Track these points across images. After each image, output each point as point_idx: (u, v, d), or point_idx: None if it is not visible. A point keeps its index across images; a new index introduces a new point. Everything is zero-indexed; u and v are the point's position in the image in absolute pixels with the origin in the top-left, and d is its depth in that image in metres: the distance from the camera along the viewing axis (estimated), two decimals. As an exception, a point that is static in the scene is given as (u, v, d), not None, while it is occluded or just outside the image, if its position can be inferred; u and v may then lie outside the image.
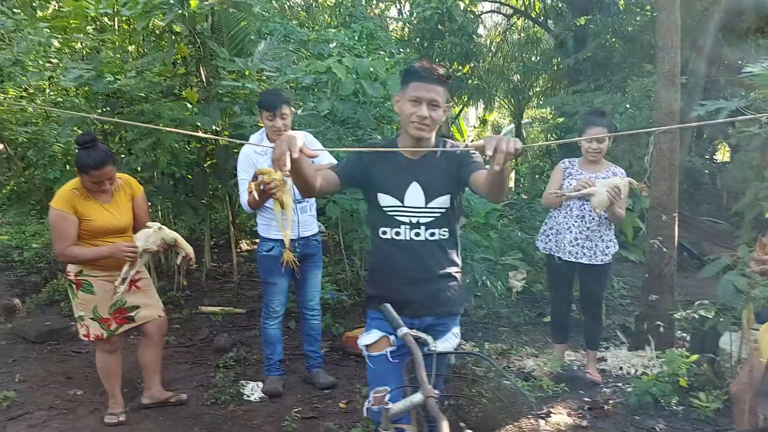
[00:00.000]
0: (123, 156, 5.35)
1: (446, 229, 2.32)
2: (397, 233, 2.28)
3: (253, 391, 3.91)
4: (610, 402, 3.78)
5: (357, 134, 5.60)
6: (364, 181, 2.33)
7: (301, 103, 5.54)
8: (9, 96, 5.44)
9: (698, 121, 3.48)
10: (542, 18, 14.66)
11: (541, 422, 3.54)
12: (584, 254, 3.86)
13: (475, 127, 21.76)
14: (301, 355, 4.17)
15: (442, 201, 2.29)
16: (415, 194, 2.27)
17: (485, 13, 14.91)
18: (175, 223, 6.51)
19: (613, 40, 12.12)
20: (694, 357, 3.87)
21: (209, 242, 6.97)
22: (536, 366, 4.23)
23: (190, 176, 5.80)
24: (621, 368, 4.27)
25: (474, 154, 2.30)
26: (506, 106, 22.01)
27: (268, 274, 3.71)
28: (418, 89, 2.18)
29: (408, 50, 12.38)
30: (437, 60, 11.72)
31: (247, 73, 5.61)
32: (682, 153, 10.44)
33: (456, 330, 2.44)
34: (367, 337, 2.35)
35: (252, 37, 7.36)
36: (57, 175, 5.64)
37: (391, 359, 2.27)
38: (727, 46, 10.79)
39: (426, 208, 2.27)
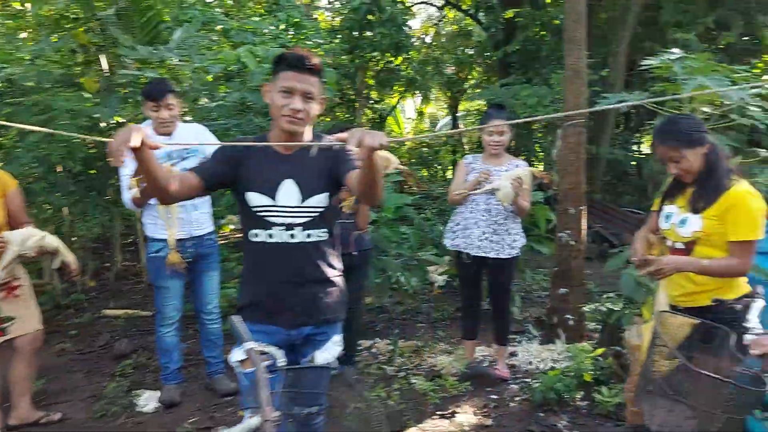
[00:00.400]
0: (18, 149, 4.99)
1: (324, 230, 2.16)
2: (270, 235, 2.10)
3: (148, 401, 3.70)
4: (517, 399, 3.75)
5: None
6: (231, 181, 2.13)
7: (210, 94, 5.30)
8: None
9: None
10: (473, 10, 14.68)
11: (446, 422, 3.46)
12: (492, 248, 3.81)
13: (412, 119, 21.76)
14: (203, 360, 3.97)
15: (319, 199, 2.13)
16: (289, 192, 2.10)
17: (416, 4, 14.81)
18: (85, 221, 6.16)
19: (543, 33, 12.26)
20: (600, 351, 3.87)
21: (120, 240, 6.64)
22: (447, 364, 4.15)
23: (92, 171, 5.48)
24: (531, 363, 4.25)
25: (350, 150, 2.17)
26: (442, 99, 22.10)
27: (158, 278, 3.50)
28: (290, 79, 2.02)
29: (338, 40, 12.20)
30: (368, 51, 11.59)
31: (151, 62, 5.32)
32: (604, 145, 10.66)
33: (337, 338, 2.29)
34: (238, 353, 2.15)
35: (169, 25, 7.04)
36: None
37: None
38: (648, 40, 11.05)
39: (301, 207, 2.11)
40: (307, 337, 2.19)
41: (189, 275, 3.57)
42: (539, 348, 4.46)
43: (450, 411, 3.57)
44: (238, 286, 2.31)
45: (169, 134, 3.41)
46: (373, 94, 15.49)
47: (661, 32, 10.88)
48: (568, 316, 4.38)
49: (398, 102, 20.48)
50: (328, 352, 2.24)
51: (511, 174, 3.60)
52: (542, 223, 5.13)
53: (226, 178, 2.12)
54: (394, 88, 17.38)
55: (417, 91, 20.06)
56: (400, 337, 4.84)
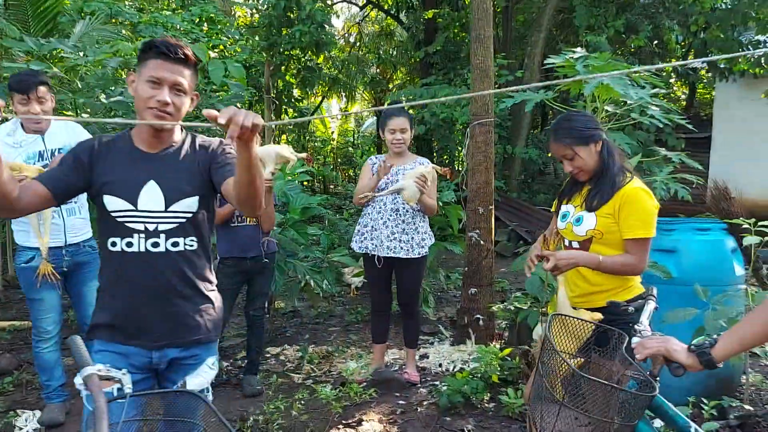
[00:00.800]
0: None
1: (193, 239, 1.92)
2: (129, 244, 1.85)
3: (28, 421, 3.38)
4: (425, 403, 3.66)
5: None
6: (84, 186, 1.88)
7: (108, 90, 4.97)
8: None
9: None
10: (394, 10, 14.70)
11: (350, 431, 3.33)
12: (401, 248, 3.72)
13: (338, 119, 21.61)
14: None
15: (188, 204, 1.89)
16: (152, 196, 1.86)
17: (337, 2, 14.68)
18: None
19: (463, 34, 12.37)
20: (507, 351, 3.84)
21: (11, 247, 6.16)
22: (355, 370, 4.03)
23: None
24: (441, 365, 4.19)
25: (229, 153, 1.97)
26: (366, 99, 22.04)
27: (30, 290, 3.18)
28: (158, 69, 1.80)
29: (256, 38, 11.90)
30: (288, 48, 11.36)
31: (45, 55, 4.96)
32: (520, 144, 10.86)
33: (212, 360, 2.00)
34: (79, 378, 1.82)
35: (72, 16, 6.62)
36: None
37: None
38: (562, 42, 11.35)
39: (166, 212, 1.87)
40: (174, 360, 1.93)
41: (67, 286, 3.28)
42: (450, 349, 4.41)
43: (356, 419, 3.45)
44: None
45: (40, 131, 3.13)
46: (297, 93, 15.26)
47: (575, 35, 11.18)
48: (479, 316, 4.35)
49: (322, 101, 20.30)
50: (202, 376, 1.96)
51: (413, 173, 3.53)
52: (455, 223, 5.09)
53: (77, 185, 1.86)
54: (318, 87, 17.21)
55: (341, 91, 19.94)
56: (311, 343, 4.69)
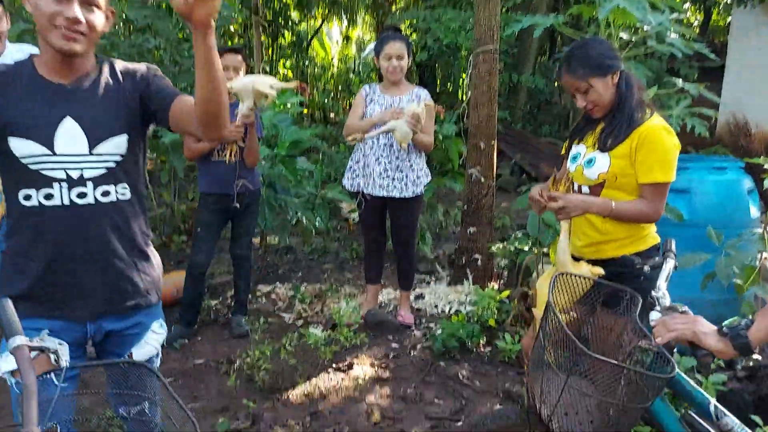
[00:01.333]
0: None
1: (125, 186, 1.63)
2: (49, 196, 1.53)
3: None
4: (418, 347, 3.53)
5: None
6: None
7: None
8: None
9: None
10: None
11: (341, 376, 3.21)
12: (395, 187, 3.49)
13: (338, 44, 20.88)
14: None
15: (116, 144, 1.58)
16: (71, 136, 1.54)
17: None
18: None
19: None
20: (505, 293, 3.69)
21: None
22: (348, 311, 3.87)
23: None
24: (437, 306, 4.05)
25: (163, 77, 1.67)
26: (368, 23, 21.24)
27: None
28: None
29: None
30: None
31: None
32: (526, 73, 10.42)
33: (157, 325, 1.77)
34: (8, 361, 1.48)
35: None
36: None
37: (57, 383, 1.33)
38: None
39: (91, 155, 1.55)
40: (112, 332, 1.68)
41: None
42: (447, 290, 4.26)
43: (347, 363, 3.32)
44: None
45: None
46: (295, 15, 14.63)
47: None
48: (477, 255, 4.17)
49: (322, 24, 19.56)
50: (149, 344, 1.75)
51: (408, 111, 3.25)
52: (455, 158, 4.84)
53: None
54: (317, 9, 16.48)
55: (342, 14, 19.19)
56: (303, 281, 4.54)
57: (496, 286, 4.08)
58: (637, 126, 2.11)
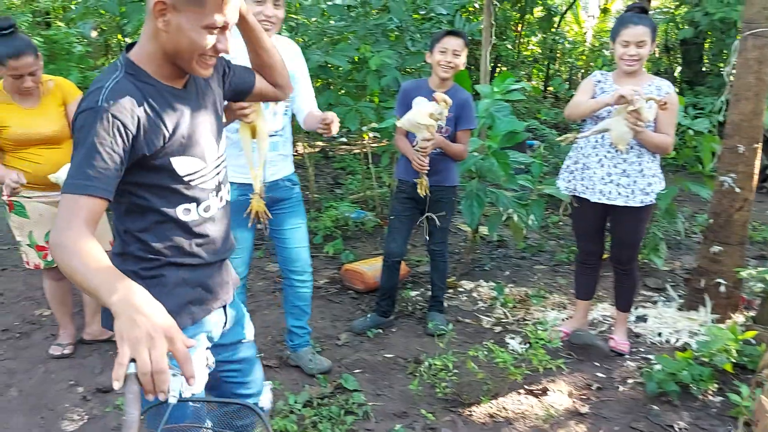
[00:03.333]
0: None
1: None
2: (207, 208, 1.50)
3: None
4: (629, 381, 3.04)
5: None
6: (134, 155, 1.34)
7: None
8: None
9: None
10: None
11: (532, 401, 2.89)
12: (619, 194, 3.01)
13: (594, 18, 19.52)
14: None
15: (224, 141, 1.60)
16: (209, 142, 1.49)
17: None
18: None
19: None
20: (751, 333, 2.99)
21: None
22: (551, 325, 3.48)
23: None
24: (660, 334, 3.46)
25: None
26: (629, -7, 19.52)
27: None
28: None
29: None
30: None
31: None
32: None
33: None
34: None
35: None
36: (77, 77, 5.32)
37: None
38: None
39: (219, 158, 1.54)
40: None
41: (266, 229, 2.83)
42: (677, 315, 3.62)
43: (541, 387, 2.99)
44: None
45: None
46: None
47: None
48: (720, 280, 3.46)
49: (576, -6, 18.41)
50: (251, 324, 1.82)
51: (634, 104, 2.73)
52: (707, 158, 4.07)
53: (127, 155, 1.32)
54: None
55: (600, -16, 17.94)
56: (510, 281, 4.24)
57: (740, 320, 3.37)
58: None
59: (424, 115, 2.84)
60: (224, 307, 1.63)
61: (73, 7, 5.74)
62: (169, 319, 1.12)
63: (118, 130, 1.26)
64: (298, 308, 3.06)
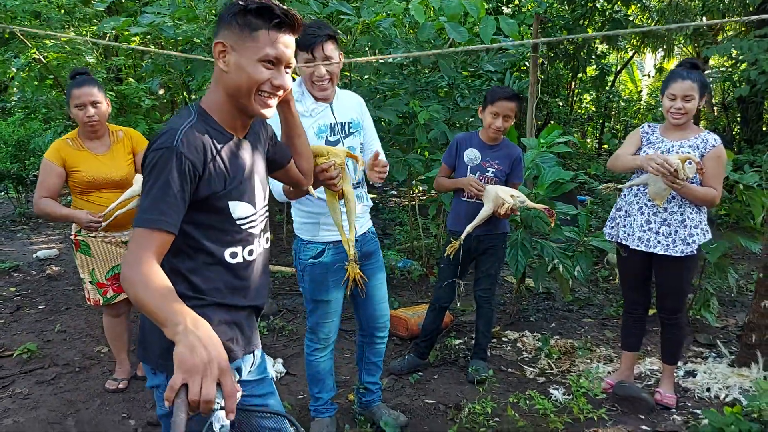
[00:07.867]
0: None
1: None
2: (251, 252, 1.59)
3: (272, 368, 3.62)
4: (674, 437, 2.97)
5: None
6: (197, 195, 1.44)
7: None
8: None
9: None
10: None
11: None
12: (659, 242, 3.02)
13: (649, 77, 19.46)
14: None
15: (267, 192, 1.70)
16: (259, 190, 1.62)
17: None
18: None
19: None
20: (804, 392, 2.89)
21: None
22: (595, 377, 3.45)
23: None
24: (710, 389, 3.36)
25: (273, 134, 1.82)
26: (687, 53, 19.45)
27: (318, 290, 2.64)
28: (278, 44, 1.47)
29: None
30: None
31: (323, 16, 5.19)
32: None
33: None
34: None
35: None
36: (144, 128, 5.72)
37: None
38: None
39: (264, 206, 1.66)
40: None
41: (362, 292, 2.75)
42: (727, 371, 3.52)
43: (582, 437, 2.95)
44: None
45: (327, 99, 2.55)
46: (600, 48, 14.03)
47: None
48: (773, 336, 3.37)
49: (633, 56, 18.51)
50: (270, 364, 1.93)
51: (669, 162, 2.77)
52: (757, 212, 4.01)
53: (190, 193, 1.42)
54: (630, 41, 15.62)
55: (655, 45, 17.92)
56: (556, 333, 4.21)
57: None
58: None
59: (507, 194, 3.05)
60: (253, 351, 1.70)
61: (144, 64, 6.22)
62: (224, 354, 1.21)
63: (189, 170, 1.37)
64: (374, 364, 2.99)
